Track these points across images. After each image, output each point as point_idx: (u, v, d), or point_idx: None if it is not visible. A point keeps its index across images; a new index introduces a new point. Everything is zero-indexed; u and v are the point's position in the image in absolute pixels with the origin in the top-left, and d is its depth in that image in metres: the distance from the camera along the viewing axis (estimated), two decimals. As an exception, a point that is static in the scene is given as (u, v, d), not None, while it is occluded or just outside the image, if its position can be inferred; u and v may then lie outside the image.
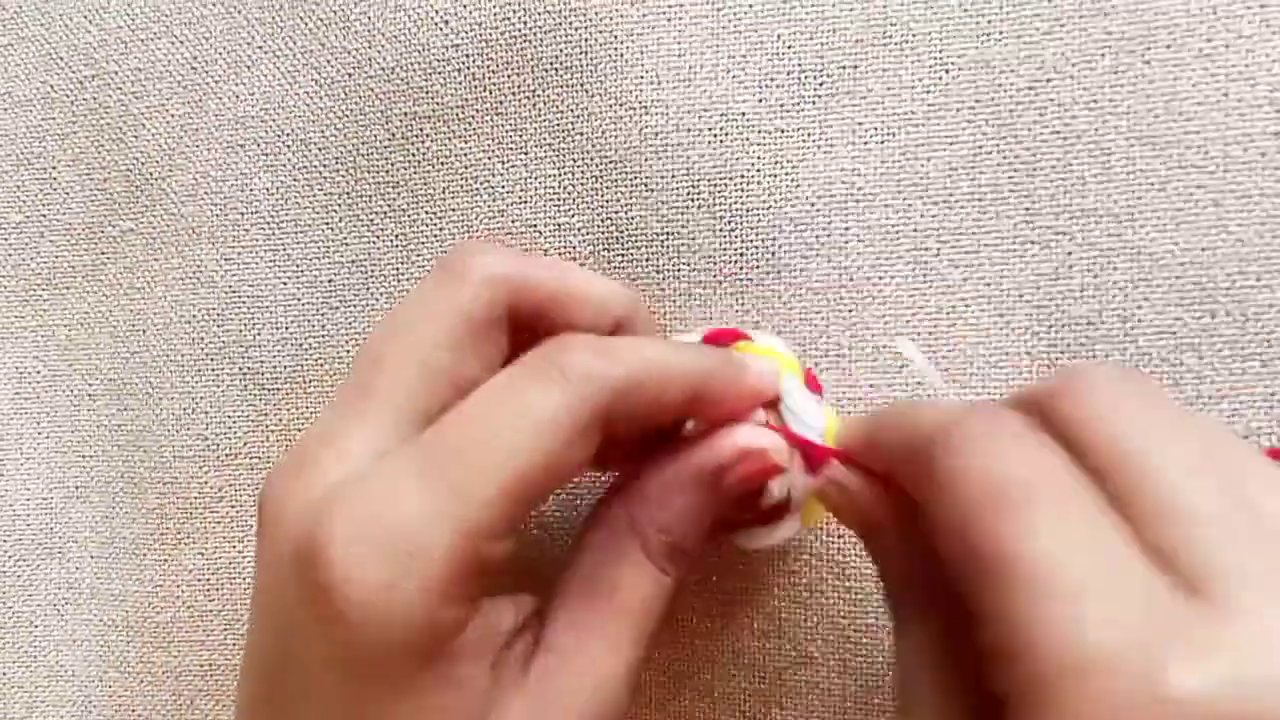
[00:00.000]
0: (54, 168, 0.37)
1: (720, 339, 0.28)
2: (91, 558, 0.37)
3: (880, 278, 0.31)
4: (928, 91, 0.31)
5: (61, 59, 0.37)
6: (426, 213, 0.34)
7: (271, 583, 0.23)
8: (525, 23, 0.33)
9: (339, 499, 0.21)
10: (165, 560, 0.36)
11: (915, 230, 0.31)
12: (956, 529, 0.19)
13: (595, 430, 0.22)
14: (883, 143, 0.31)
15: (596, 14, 0.32)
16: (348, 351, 0.35)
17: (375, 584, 0.20)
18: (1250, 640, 0.16)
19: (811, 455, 0.26)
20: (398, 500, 0.21)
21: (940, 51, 0.31)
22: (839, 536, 0.31)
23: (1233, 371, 0.29)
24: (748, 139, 0.32)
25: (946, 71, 0.31)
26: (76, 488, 0.37)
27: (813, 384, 0.28)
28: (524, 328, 0.26)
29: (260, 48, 0.35)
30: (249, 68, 0.36)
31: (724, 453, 0.25)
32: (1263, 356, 0.29)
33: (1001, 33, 0.30)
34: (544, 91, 0.33)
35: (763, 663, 0.31)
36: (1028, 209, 0.30)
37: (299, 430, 0.35)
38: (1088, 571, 0.17)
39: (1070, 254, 0.30)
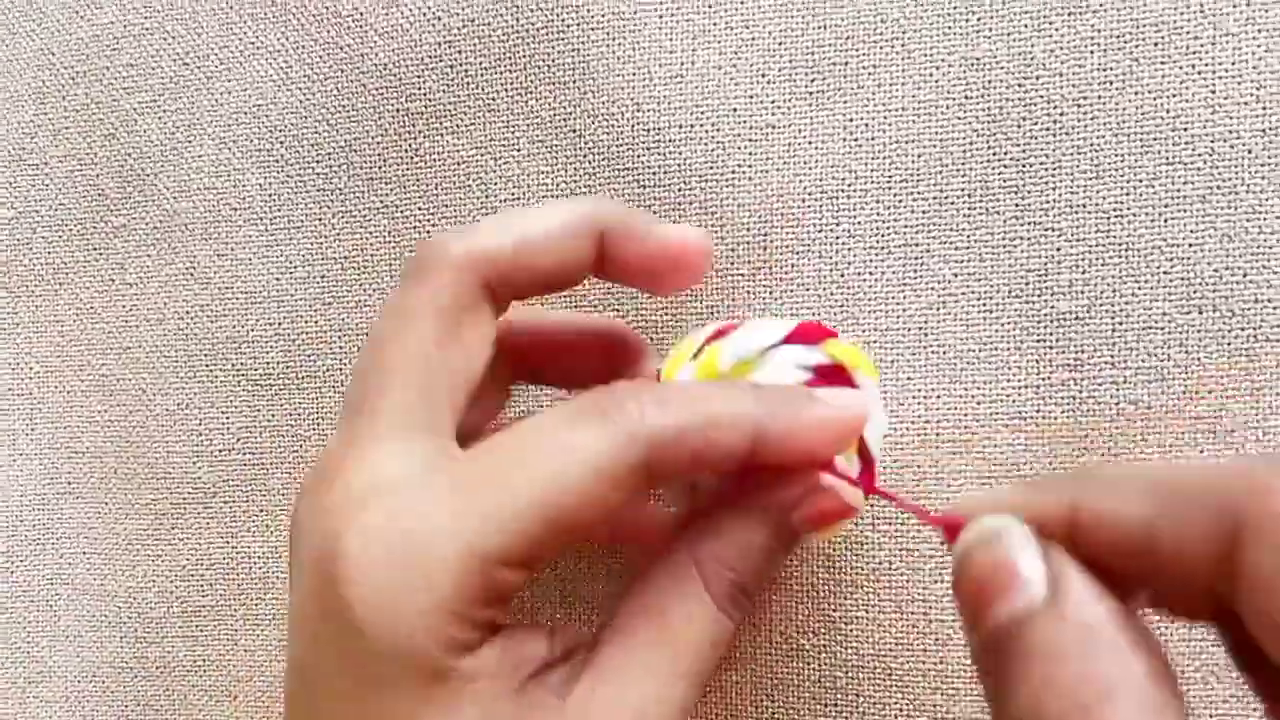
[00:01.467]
0: (46, 164, 0.37)
1: (810, 335, 0.26)
2: (84, 553, 0.37)
3: (871, 273, 0.31)
4: (918, 88, 0.31)
5: (54, 55, 0.37)
6: (419, 209, 0.34)
7: (298, 590, 0.23)
8: (517, 20, 0.33)
9: (361, 507, 0.21)
10: (158, 556, 0.37)
11: (906, 226, 0.31)
12: None
13: (637, 478, 0.22)
14: (873, 139, 0.31)
15: (589, 11, 0.32)
16: (341, 347, 0.35)
17: (384, 594, 0.20)
18: None
19: (867, 466, 0.25)
20: (418, 513, 0.21)
21: (931, 48, 0.31)
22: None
23: (1219, 366, 0.29)
24: (739, 135, 0.32)
25: (937, 68, 0.31)
26: (69, 483, 0.37)
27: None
28: (509, 290, 0.25)
29: (253, 44, 0.35)
30: (241, 64, 0.36)
31: (794, 489, 0.24)
32: (1249, 352, 0.29)
33: (991, 30, 0.31)
34: (536, 88, 0.33)
35: (753, 655, 0.32)
36: (1017, 205, 0.30)
37: (292, 425, 0.35)
38: None
39: (1059, 249, 0.30)
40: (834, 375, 0.26)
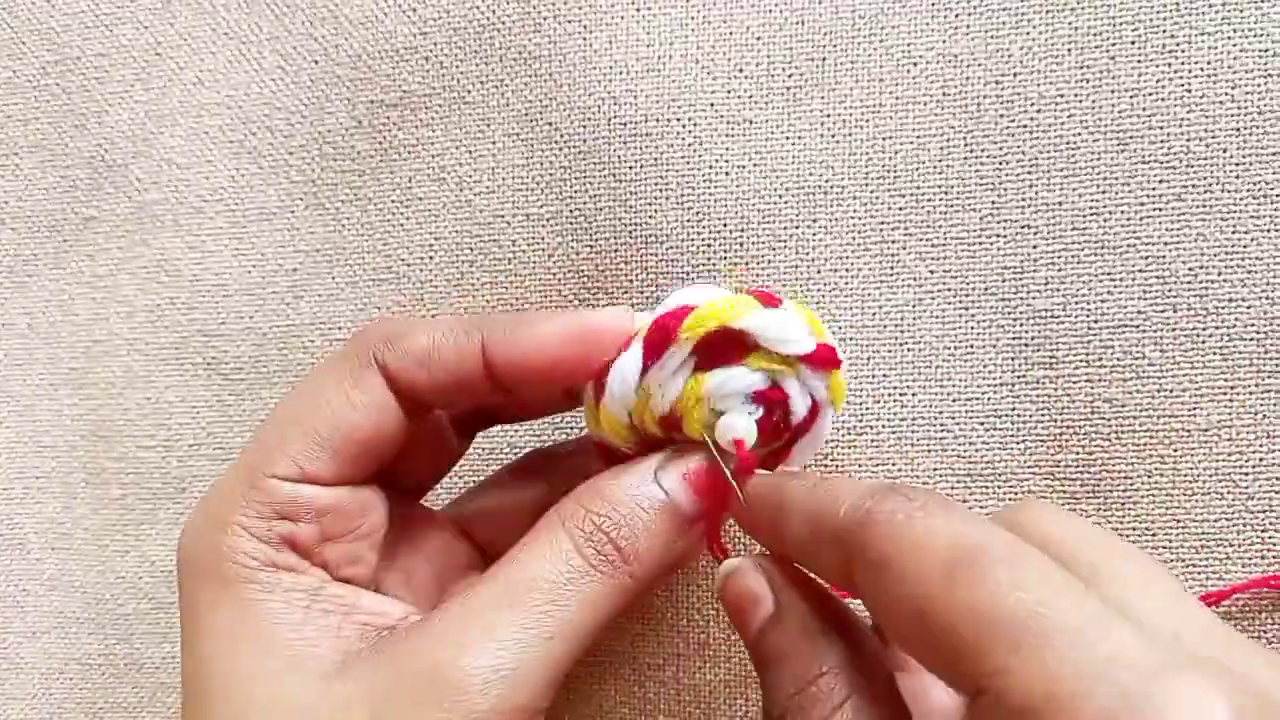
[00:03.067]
0: (15, 154, 0.37)
1: (665, 324, 0.25)
2: (52, 549, 0.37)
3: (848, 270, 0.31)
4: (896, 85, 0.31)
5: (24, 44, 0.37)
6: (392, 201, 0.34)
7: None
8: (493, 11, 0.33)
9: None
10: (127, 551, 0.36)
11: (882, 223, 0.31)
12: (917, 600, 0.18)
13: (385, 395, 0.25)
14: (850, 135, 0.31)
15: (565, 3, 0.32)
16: (311, 341, 0.35)
17: (194, 527, 0.25)
18: None
19: (818, 358, 0.25)
20: (222, 477, 0.26)
21: (909, 45, 0.31)
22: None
23: (1194, 364, 0.29)
24: (716, 130, 0.32)
25: (915, 65, 0.31)
26: (37, 478, 0.37)
27: (768, 301, 0.26)
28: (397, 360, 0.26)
29: (225, 33, 0.35)
30: (213, 53, 0.35)
31: (664, 451, 0.25)
32: (1222, 350, 0.29)
33: (969, 27, 0.30)
34: (512, 80, 0.33)
35: (728, 654, 0.31)
36: (994, 202, 0.30)
37: (262, 419, 0.35)
38: (1081, 614, 0.17)
39: (1035, 247, 0.30)
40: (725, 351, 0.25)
